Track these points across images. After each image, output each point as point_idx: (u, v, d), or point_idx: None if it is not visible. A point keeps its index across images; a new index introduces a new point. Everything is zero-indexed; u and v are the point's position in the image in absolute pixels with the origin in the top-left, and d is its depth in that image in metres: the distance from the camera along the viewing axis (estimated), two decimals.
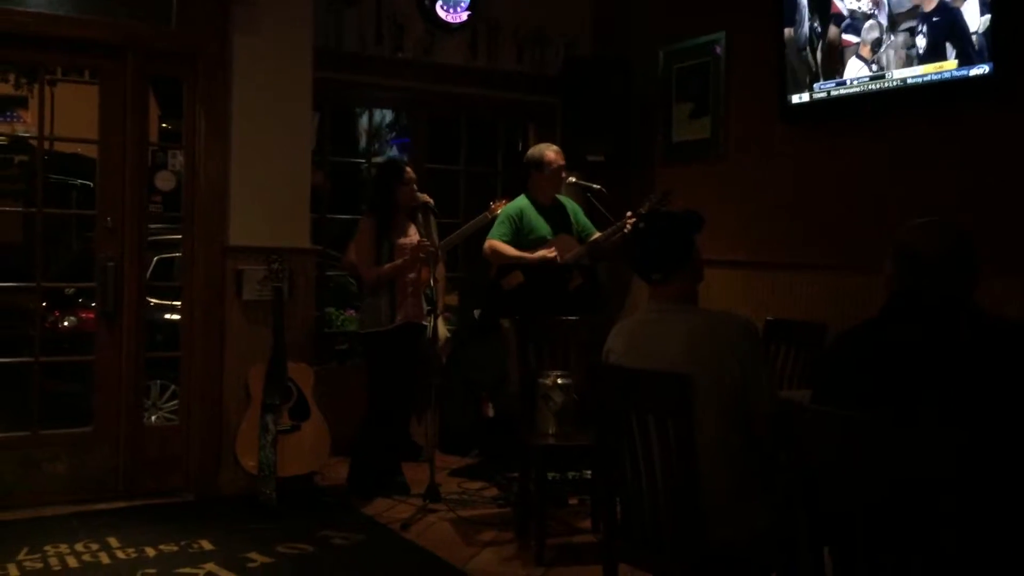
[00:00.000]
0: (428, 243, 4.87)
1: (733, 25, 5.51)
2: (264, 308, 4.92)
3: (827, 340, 4.13)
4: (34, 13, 4.58)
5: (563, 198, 5.27)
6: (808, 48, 4.87)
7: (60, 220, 10.26)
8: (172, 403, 5.72)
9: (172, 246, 5.73)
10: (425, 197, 4.98)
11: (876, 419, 1.98)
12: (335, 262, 5.94)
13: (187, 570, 3.85)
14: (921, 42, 4.32)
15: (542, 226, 5.16)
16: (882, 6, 4.50)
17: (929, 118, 4.43)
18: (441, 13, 5.97)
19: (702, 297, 3.01)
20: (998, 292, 3.63)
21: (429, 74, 6.03)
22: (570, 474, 4.82)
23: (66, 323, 6.30)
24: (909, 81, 4.38)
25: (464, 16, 6.04)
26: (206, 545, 4.16)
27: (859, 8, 4.61)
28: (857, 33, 4.63)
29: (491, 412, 5.86)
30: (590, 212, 5.41)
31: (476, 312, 5.70)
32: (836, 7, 4.71)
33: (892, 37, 4.46)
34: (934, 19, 4.27)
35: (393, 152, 10.87)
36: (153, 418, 5.67)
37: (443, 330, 5.10)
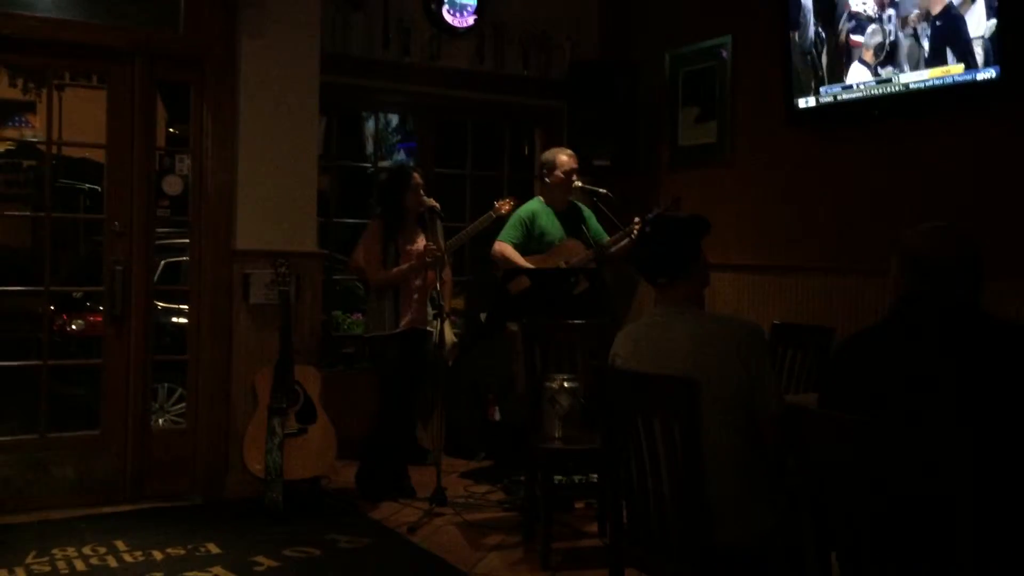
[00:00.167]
0: (435, 247, 4.88)
1: (739, 29, 5.51)
2: (271, 312, 4.93)
3: (834, 344, 4.13)
4: (42, 18, 4.60)
5: (579, 203, 5.28)
6: (814, 52, 4.86)
7: (68, 224, 10.31)
8: (179, 406, 5.74)
9: (179, 250, 5.75)
10: (431, 202, 4.99)
11: (883, 423, 1.98)
12: (342, 266, 5.95)
13: (194, 573, 3.86)
14: (926, 46, 4.32)
15: (553, 230, 5.17)
16: (887, 10, 4.50)
17: (936, 122, 4.42)
18: (448, 17, 5.98)
19: (708, 301, 3.01)
20: (1006, 296, 3.63)
21: (436, 78, 6.05)
22: (576, 478, 4.82)
23: (74, 327, 6.32)
24: (916, 85, 4.38)
25: (470, 20, 6.05)
26: (213, 548, 4.17)
27: (864, 12, 4.61)
28: (862, 37, 4.63)
29: (497, 416, 5.86)
30: (597, 216, 5.41)
31: (482, 316, 5.71)
32: (841, 10, 4.71)
33: (897, 41, 4.46)
34: (938, 23, 4.27)
35: (400, 156, 10.88)
36: (160, 421, 5.68)
37: (450, 334, 5.10)
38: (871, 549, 1.96)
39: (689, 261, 2.86)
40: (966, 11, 4.14)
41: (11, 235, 11.61)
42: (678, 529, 2.64)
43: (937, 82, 4.28)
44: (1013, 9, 3.98)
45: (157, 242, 5.12)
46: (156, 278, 5.39)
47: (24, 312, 6.46)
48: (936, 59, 4.28)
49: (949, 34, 4.22)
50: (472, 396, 5.92)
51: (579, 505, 4.84)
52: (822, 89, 4.84)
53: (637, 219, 5.00)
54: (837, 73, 4.76)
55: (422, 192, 4.99)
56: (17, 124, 16.50)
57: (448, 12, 5.98)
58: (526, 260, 5.11)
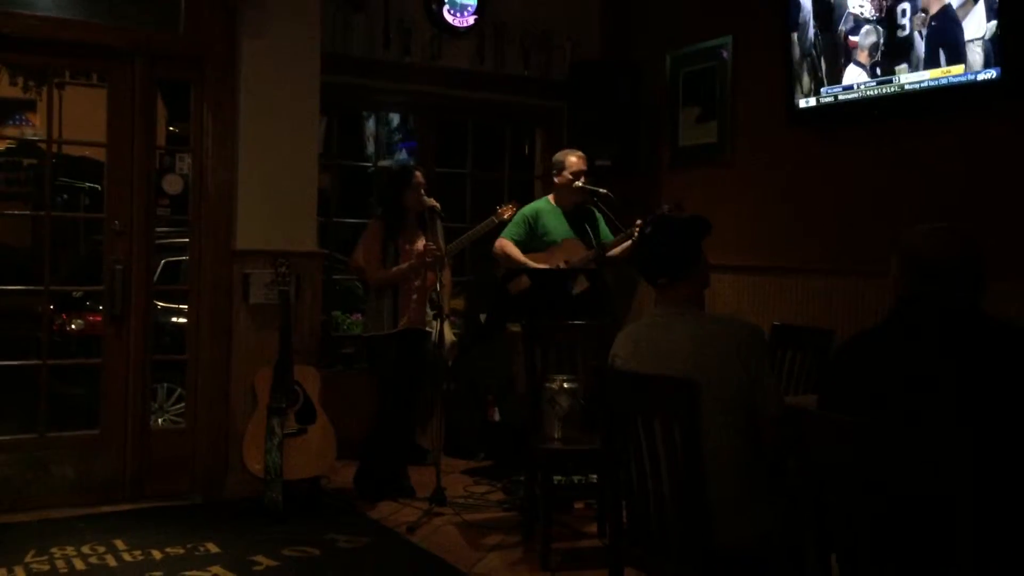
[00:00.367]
0: (434, 248, 4.87)
1: (740, 29, 5.51)
2: (271, 312, 4.92)
3: (834, 345, 4.13)
4: (42, 17, 4.59)
5: (593, 207, 5.27)
6: (814, 52, 4.86)
7: (68, 223, 10.33)
8: (179, 406, 5.73)
9: (179, 249, 5.74)
10: (432, 201, 4.98)
11: (883, 424, 1.98)
12: (342, 266, 5.95)
13: (193, 573, 3.85)
14: (921, 47, 4.32)
15: (558, 229, 5.17)
16: (883, 11, 4.50)
17: (937, 123, 4.42)
18: (448, 17, 5.98)
19: (709, 302, 3.01)
20: (1007, 297, 3.63)
21: (436, 78, 6.04)
22: (576, 478, 4.82)
23: (74, 326, 6.32)
24: (917, 86, 4.37)
25: (471, 20, 6.05)
26: (212, 548, 4.16)
27: (862, 13, 4.61)
28: (857, 38, 4.63)
29: (497, 416, 5.86)
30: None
31: (482, 316, 5.71)
32: (840, 12, 4.71)
33: (892, 42, 4.46)
34: (934, 24, 4.27)
35: (402, 156, 10.88)
36: (160, 421, 5.68)
37: (449, 335, 5.10)
38: (871, 550, 1.96)
39: (690, 262, 2.86)
40: (964, 13, 4.14)
41: (11, 234, 11.61)
42: (678, 530, 2.63)
43: (938, 83, 4.28)
44: (1014, 10, 3.98)
45: (157, 241, 5.12)
46: (156, 277, 5.38)
47: (24, 311, 6.45)
48: (931, 61, 4.29)
49: (945, 36, 4.23)
50: (472, 396, 5.92)
51: (579, 505, 4.83)
52: (823, 89, 4.83)
53: (638, 222, 5.00)
54: (836, 74, 4.76)
55: (423, 192, 4.98)
56: (17, 123, 16.51)
57: (449, 12, 5.97)
58: (526, 258, 5.10)
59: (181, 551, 4.11)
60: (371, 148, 10.17)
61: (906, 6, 4.39)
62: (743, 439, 2.70)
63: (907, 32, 4.40)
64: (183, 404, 5.41)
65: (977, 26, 4.10)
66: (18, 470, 4.67)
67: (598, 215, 5.28)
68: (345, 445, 4.97)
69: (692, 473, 2.56)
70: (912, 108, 4.45)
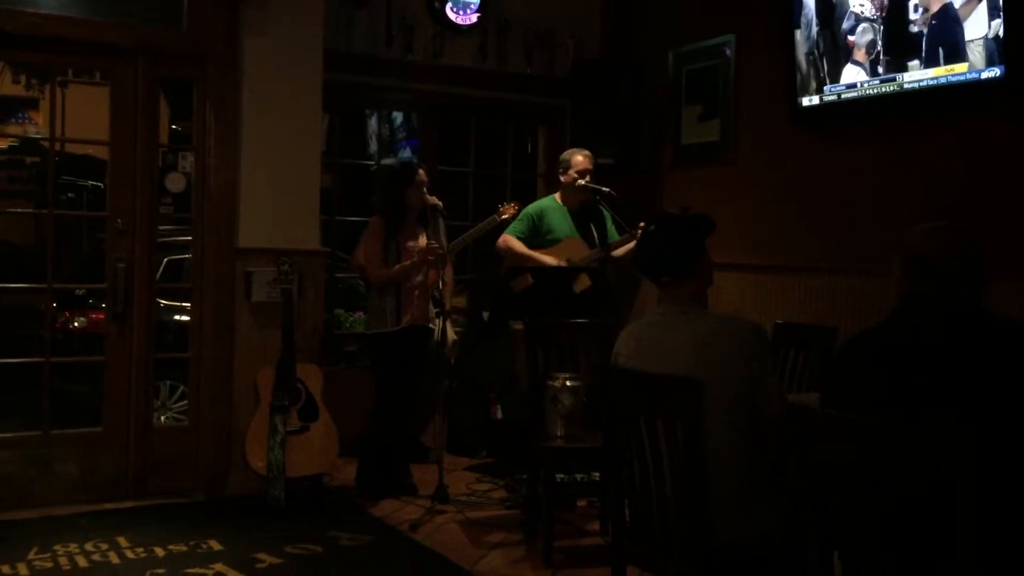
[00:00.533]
0: (436, 246, 4.87)
1: (743, 28, 5.51)
2: (273, 309, 4.92)
3: (837, 344, 4.12)
4: (45, 15, 4.60)
5: (602, 207, 5.27)
6: (816, 51, 4.86)
7: (71, 221, 10.32)
8: (181, 404, 5.74)
9: (182, 247, 5.75)
10: (434, 199, 4.98)
11: (885, 423, 1.98)
12: (344, 264, 5.95)
13: (196, 570, 3.86)
14: (922, 46, 4.33)
15: (562, 228, 5.17)
16: (883, 9, 4.50)
17: (940, 121, 4.42)
18: (451, 15, 5.98)
19: (712, 300, 3.01)
20: (1010, 296, 3.62)
21: (439, 76, 6.04)
22: (579, 476, 4.83)
23: (76, 324, 6.33)
24: (920, 84, 4.37)
25: (474, 18, 6.05)
26: (215, 545, 4.17)
27: (862, 12, 4.61)
28: (864, 36, 4.63)
29: (499, 414, 5.86)
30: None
31: (485, 314, 5.71)
32: (842, 11, 4.70)
33: (893, 41, 4.46)
34: (934, 23, 4.27)
35: (405, 154, 10.88)
36: (163, 418, 5.68)
37: (451, 333, 5.10)
38: (873, 549, 1.96)
39: (693, 260, 2.86)
40: (966, 12, 4.14)
41: (14, 232, 11.62)
42: (680, 528, 2.63)
43: (941, 81, 4.27)
44: (1019, 9, 3.97)
45: (159, 239, 5.12)
46: (159, 275, 5.39)
47: (27, 309, 6.46)
48: (931, 60, 4.29)
49: (945, 35, 4.23)
50: (474, 394, 5.92)
51: (581, 503, 4.84)
52: (825, 88, 4.83)
53: (641, 224, 4.97)
54: (837, 73, 4.76)
55: (425, 189, 4.98)
56: (20, 121, 16.51)
57: (451, 10, 5.97)
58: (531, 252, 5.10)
59: (184, 548, 4.11)
60: (374, 146, 10.17)
61: (906, 5, 4.39)
62: (745, 438, 2.70)
63: (907, 31, 4.40)
64: (186, 402, 5.42)
65: (979, 25, 4.09)
66: (21, 467, 4.67)
67: (606, 214, 5.27)
68: (347, 443, 4.98)
69: (694, 471, 2.56)
70: (915, 107, 4.45)
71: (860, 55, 4.64)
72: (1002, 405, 2.04)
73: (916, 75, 4.38)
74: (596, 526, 4.50)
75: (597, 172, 5.44)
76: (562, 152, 5.41)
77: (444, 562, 4.06)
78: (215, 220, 4.96)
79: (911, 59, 4.40)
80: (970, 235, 2.28)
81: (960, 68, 4.18)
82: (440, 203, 4.99)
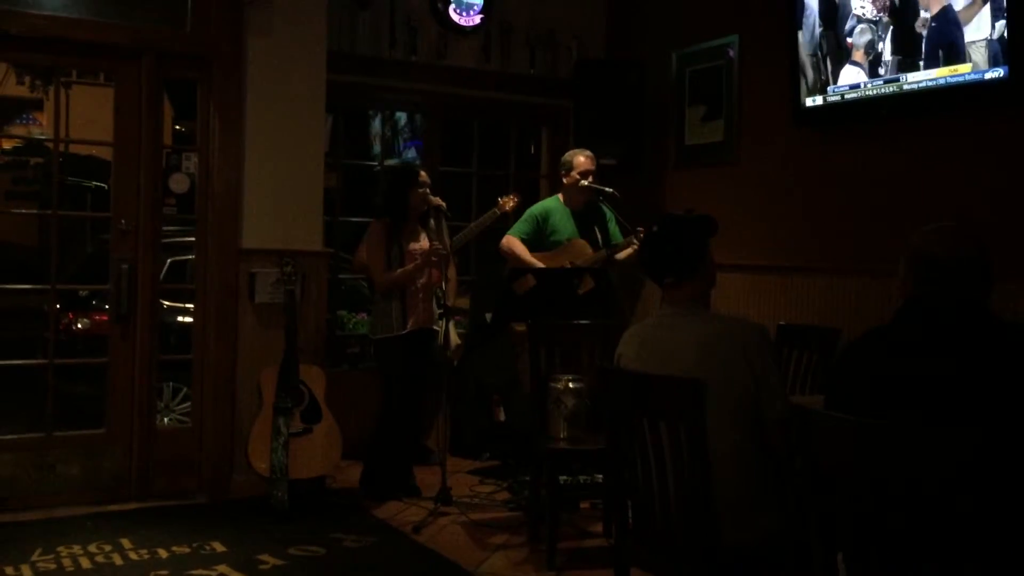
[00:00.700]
0: (440, 247, 4.87)
1: (746, 28, 5.50)
2: (277, 311, 4.93)
3: (841, 345, 4.11)
4: (50, 16, 4.60)
5: (603, 205, 5.27)
6: (819, 52, 4.85)
7: (75, 222, 10.33)
8: (185, 405, 5.74)
9: (186, 248, 5.75)
10: (437, 200, 4.98)
11: (890, 425, 1.97)
12: (347, 265, 5.95)
13: (199, 572, 3.86)
14: (921, 48, 4.33)
15: (566, 229, 5.16)
16: (884, 11, 4.50)
17: (944, 121, 4.41)
18: (454, 16, 5.98)
19: (715, 301, 3.00)
20: (1016, 296, 3.61)
21: (442, 77, 6.04)
22: (582, 478, 4.82)
23: (80, 325, 6.32)
24: (924, 85, 4.36)
25: (477, 19, 6.05)
26: (218, 547, 4.17)
27: (863, 14, 4.61)
28: (862, 36, 4.64)
29: (502, 416, 5.86)
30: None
31: (487, 315, 5.70)
32: (844, 11, 4.70)
33: (894, 42, 4.46)
34: (934, 25, 4.28)
35: (411, 154, 10.89)
36: (166, 420, 5.68)
37: (454, 335, 5.10)
38: (878, 550, 1.95)
39: (696, 261, 2.85)
40: (967, 14, 4.14)
41: (18, 233, 11.64)
42: (683, 530, 2.63)
43: (944, 82, 4.27)
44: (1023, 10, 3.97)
45: (163, 240, 5.12)
46: (162, 276, 5.39)
47: (30, 310, 6.46)
48: (931, 61, 4.29)
49: (944, 37, 4.24)
50: (477, 396, 5.91)
51: (584, 505, 4.83)
52: (829, 88, 4.82)
53: (640, 229, 4.97)
54: (838, 73, 4.76)
55: (427, 191, 4.98)
56: (25, 122, 16.55)
57: (455, 11, 5.97)
58: (533, 257, 5.10)
59: (187, 550, 4.11)
60: (377, 147, 10.18)
61: (906, 7, 4.39)
62: (749, 439, 2.70)
63: (908, 33, 4.40)
64: (189, 403, 5.42)
65: (981, 26, 4.09)
66: (25, 469, 4.68)
67: (608, 214, 5.27)
68: (350, 444, 4.98)
69: (697, 473, 2.56)
70: (918, 107, 4.44)
71: (859, 56, 4.64)
72: (1008, 406, 2.03)
73: (919, 76, 4.37)
74: (599, 528, 4.49)
75: (600, 173, 5.43)
76: (564, 153, 5.40)
77: (447, 564, 4.05)
78: (219, 221, 4.96)
79: (912, 60, 4.40)
80: (975, 235, 2.27)
81: (964, 69, 4.18)
82: (443, 204, 4.99)
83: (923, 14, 4.33)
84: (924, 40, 4.33)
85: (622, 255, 5.13)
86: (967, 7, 4.16)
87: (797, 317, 4.86)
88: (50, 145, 6.48)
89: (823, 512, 2.06)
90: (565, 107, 6.30)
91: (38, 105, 15.72)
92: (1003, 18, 4.01)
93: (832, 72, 4.80)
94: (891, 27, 4.49)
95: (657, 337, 2.86)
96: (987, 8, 4.07)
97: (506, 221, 5.37)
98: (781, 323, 4.61)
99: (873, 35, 4.55)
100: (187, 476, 4.97)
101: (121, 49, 4.80)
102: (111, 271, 4.87)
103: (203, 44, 4.91)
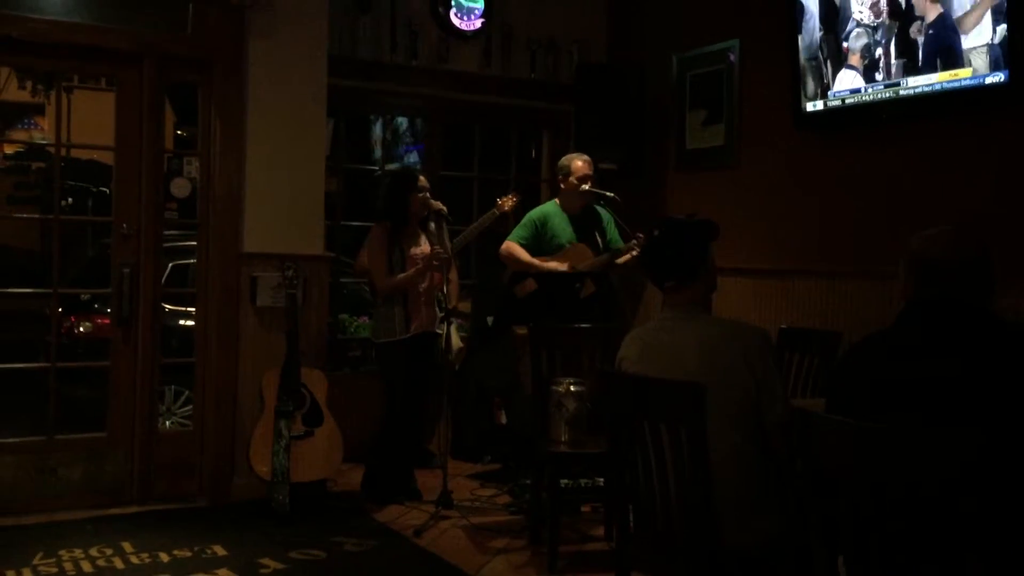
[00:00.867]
0: (441, 250, 4.88)
1: (747, 33, 5.51)
2: (278, 314, 4.93)
3: (842, 348, 4.11)
4: (51, 21, 4.61)
5: (600, 208, 5.27)
6: (820, 56, 4.86)
7: (77, 226, 10.36)
8: (186, 409, 5.75)
9: (187, 252, 5.76)
10: (439, 205, 4.99)
11: (890, 428, 1.97)
12: (349, 268, 5.95)
13: (201, 575, 3.86)
14: (919, 53, 4.34)
15: (565, 233, 5.16)
16: (880, 16, 4.51)
17: (946, 126, 4.41)
18: (455, 21, 5.98)
19: (716, 305, 3.00)
20: (1015, 299, 3.62)
21: (443, 82, 6.05)
22: (583, 481, 4.81)
23: (82, 329, 6.34)
24: (924, 89, 4.37)
25: (478, 24, 6.05)
26: (219, 551, 4.17)
27: (862, 19, 4.62)
28: (858, 40, 4.66)
29: (504, 419, 5.86)
30: None
31: (489, 319, 5.71)
32: (845, 16, 4.71)
33: (890, 47, 4.46)
34: (931, 32, 4.29)
35: (413, 158, 10.90)
36: (167, 424, 5.69)
37: (456, 339, 5.10)
38: (879, 553, 1.96)
39: (696, 265, 2.86)
40: (967, 18, 4.15)
41: (19, 237, 11.67)
42: (684, 533, 2.63)
43: (944, 86, 4.27)
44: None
45: (165, 244, 5.13)
46: (164, 280, 5.40)
47: (32, 314, 6.48)
48: (929, 66, 4.30)
49: (941, 42, 4.25)
50: (478, 399, 5.91)
51: (585, 509, 4.83)
52: (830, 93, 4.83)
53: (640, 234, 4.97)
54: (837, 77, 4.78)
55: (427, 195, 4.99)
56: (26, 126, 16.58)
57: (456, 15, 5.98)
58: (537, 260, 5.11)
59: (188, 553, 4.12)
60: (378, 151, 10.19)
61: (904, 12, 4.40)
62: (750, 442, 2.70)
63: (906, 37, 4.41)
64: (190, 407, 5.42)
65: (982, 31, 4.09)
66: (26, 472, 4.68)
67: (606, 216, 5.27)
68: (351, 448, 4.98)
69: (698, 476, 2.56)
70: (919, 112, 4.44)
71: (855, 60, 4.65)
72: (1009, 409, 2.03)
73: (920, 80, 4.38)
74: (600, 531, 4.49)
75: (601, 177, 5.44)
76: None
77: (448, 567, 4.05)
78: (220, 225, 4.97)
79: (911, 65, 4.40)
80: (976, 238, 2.27)
81: (964, 73, 4.18)
82: (444, 208, 4.99)
83: (920, 20, 4.34)
84: (922, 45, 4.34)
85: (623, 259, 5.13)
86: (966, 13, 4.16)
87: (798, 320, 4.87)
88: (52, 150, 6.48)
89: (824, 515, 2.06)
90: (566, 111, 6.30)
91: (40, 110, 15.76)
92: (1004, 23, 4.02)
93: (832, 76, 4.81)
94: (889, 32, 4.50)
95: (659, 341, 2.87)
96: (987, 13, 4.08)
97: (506, 222, 5.37)
98: (782, 326, 4.61)
99: (869, 39, 4.56)
100: (188, 479, 4.97)
101: (122, 53, 4.81)
102: (113, 275, 4.88)
103: (204, 48, 4.91)
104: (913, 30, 4.38)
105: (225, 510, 4.79)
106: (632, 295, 5.99)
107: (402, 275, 4.90)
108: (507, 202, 5.38)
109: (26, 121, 16.57)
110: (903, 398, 2.11)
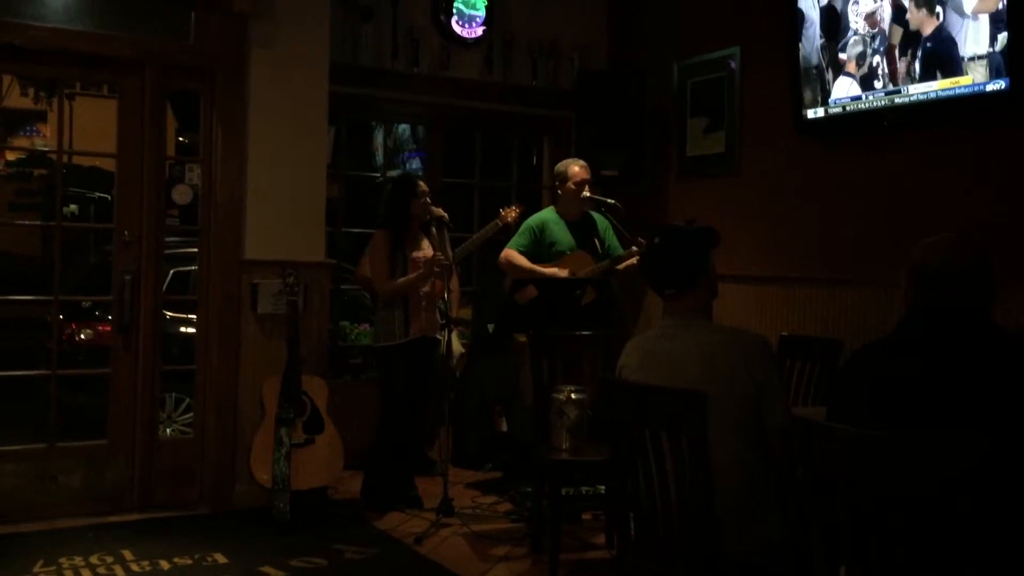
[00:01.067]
0: (442, 257, 4.88)
1: (748, 40, 5.52)
2: (279, 321, 4.93)
3: (843, 356, 4.11)
4: (53, 29, 4.62)
5: (596, 214, 5.27)
6: (821, 63, 4.87)
7: (78, 233, 10.37)
8: (187, 416, 5.74)
9: (188, 259, 5.76)
10: (440, 211, 4.99)
11: (893, 435, 1.97)
12: (350, 276, 5.96)
13: None
14: (917, 61, 4.35)
15: (564, 240, 5.16)
16: (876, 26, 4.52)
17: (946, 133, 4.41)
18: (456, 28, 6.00)
19: (717, 312, 3.00)
20: (1015, 307, 3.61)
21: (445, 89, 6.06)
22: (584, 489, 4.80)
23: (83, 336, 6.33)
24: (925, 96, 4.37)
25: (479, 31, 6.06)
26: (220, 558, 4.17)
27: (858, 28, 4.63)
28: (854, 48, 4.67)
29: (505, 427, 5.86)
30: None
31: (490, 326, 5.71)
32: (846, 24, 4.71)
33: (889, 55, 4.47)
34: (928, 44, 4.31)
35: (415, 164, 10.91)
36: (168, 431, 5.69)
37: (457, 345, 5.09)
38: (880, 560, 1.95)
39: (697, 272, 2.86)
40: (967, 25, 4.15)
41: (21, 244, 11.67)
42: (685, 540, 2.63)
43: (946, 94, 4.28)
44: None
45: (166, 251, 5.13)
46: (165, 287, 5.40)
47: (33, 321, 6.47)
48: (928, 74, 4.32)
49: (939, 50, 4.26)
50: (479, 407, 5.91)
51: (586, 516, 4.82)
52: (831, 100, 4.83)
53: (641, 240, 4.97)
54: (836, 85, 4.79)
55: (428, 201, 4.99)
56: (28, 133, 16.61)
57: (457, 23, 5.99)
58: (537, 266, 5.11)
59: (189, 561, 4.11)
60: (379, 158, 10.19)
61: (902, 19, 4.41)
62: (751, 450, 2.70)
63: (903, 46, 4.42)
64: (191, 414, 5.42)
65: (982, 38, 4.10)
66: (27, 480, 4.68)
67: (603, 223, 5.26)
68: (352, 455, 4.97)
69: (700, 484, 2.55)
70: (920, 119, 4.45)
71: (851, 67, 4.66)
72: (1010, 417, 2.03)
73: (920, 88, 4.38)
74: (602, 539, 4.49)
75: (602, 184, 5.44)
76: None
77: (449, 575, 4.04)
78: (221, 232, 4.97)
79: (909, 72, 4.41)
80: (977, 246, 2.27)
81: (964, 81, 4.19)
82: (445, 215, 5.00)
83: (917, 27, 4.35)
84: (920, 54, 4.35)
85: (623, 264, 5.13)
86: (966, 18, 4.17)
87: (799, 328, 4.86)
88: (53, 157, 6.50)
89: (825, 522, 2.05)
90: (567, 118, 6.31)
91: (42, 117, 15.79)
92: (1005, 31, 4.03)
93: (833, 83, 4.81)
94: (887, 42, 4.51)
95: (659, 348, 2.86)
96: (986, 19, 4.08)
97: (508, 232, 5.37)
98: (783, 334, 4.60)
99: (865, 47, 4.57)
100: (189, 487, 4.97)
101: (124, 61, 4.82)
102: (114, 282, 4.88)
103: (206, 55, 4.93)
104: (911, 40, 4.38)
105: (226, 517, 4.79)
106: (633, 302, 5.98)
107: (404, 279, 4.91)
108: (510, 213, 5.38)
109: (28, 128, 16.60)
110: (904, 405, 2.11)
